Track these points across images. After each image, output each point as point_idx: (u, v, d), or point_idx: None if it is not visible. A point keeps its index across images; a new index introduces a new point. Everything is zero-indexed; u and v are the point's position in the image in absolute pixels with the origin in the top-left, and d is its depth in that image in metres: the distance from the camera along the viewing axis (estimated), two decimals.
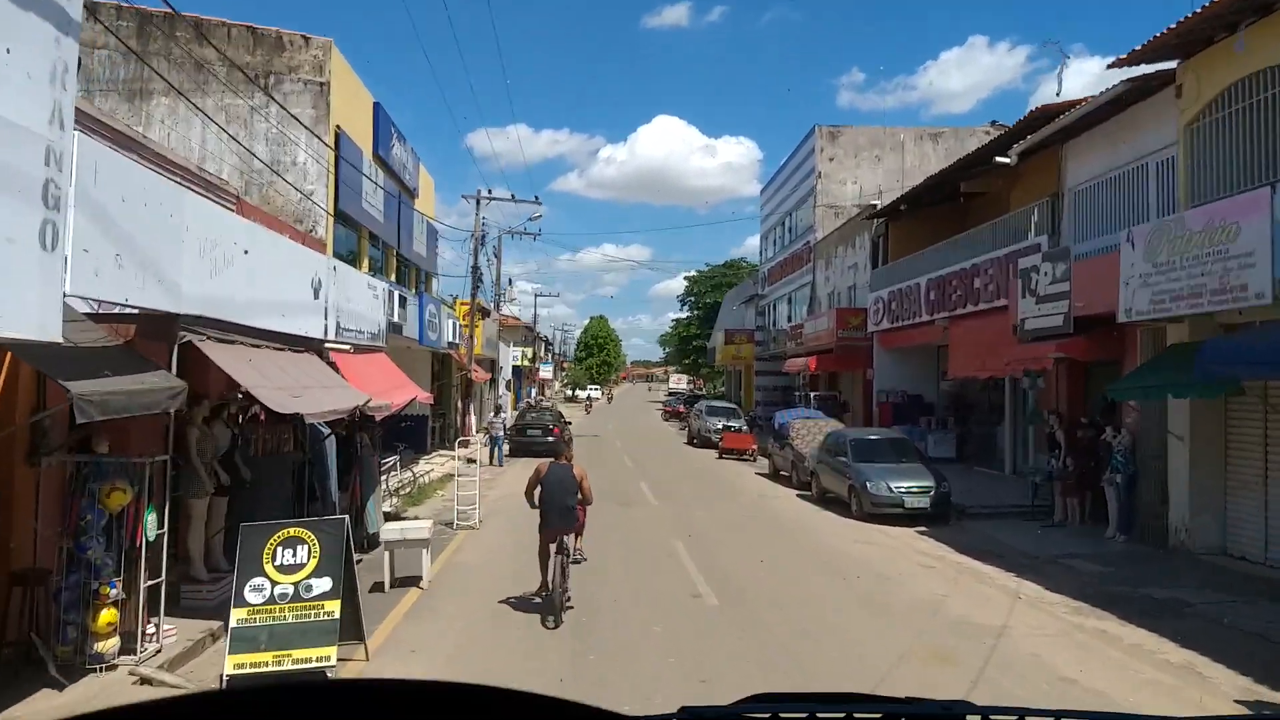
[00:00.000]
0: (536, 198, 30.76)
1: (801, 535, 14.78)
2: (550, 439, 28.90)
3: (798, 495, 19.75)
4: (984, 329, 19.73)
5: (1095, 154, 15.86)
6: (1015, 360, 15.99)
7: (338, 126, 16.83)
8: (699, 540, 13.97)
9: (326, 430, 12.42)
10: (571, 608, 9.21)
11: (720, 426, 31.99)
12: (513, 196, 30.27)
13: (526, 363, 65.55)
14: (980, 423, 25.89)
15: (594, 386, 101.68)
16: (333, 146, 16.40)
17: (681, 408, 55.03)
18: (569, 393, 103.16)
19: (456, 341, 27.25)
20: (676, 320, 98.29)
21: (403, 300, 17.98)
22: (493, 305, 38.94)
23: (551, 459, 9.77)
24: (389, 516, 15.57)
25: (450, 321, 25.70)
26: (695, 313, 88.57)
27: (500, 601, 9.88)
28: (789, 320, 41.70)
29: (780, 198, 43.45)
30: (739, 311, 55.82)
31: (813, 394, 29.24)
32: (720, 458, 28.99)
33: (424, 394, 16.09)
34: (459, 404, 30.54)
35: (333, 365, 12.67)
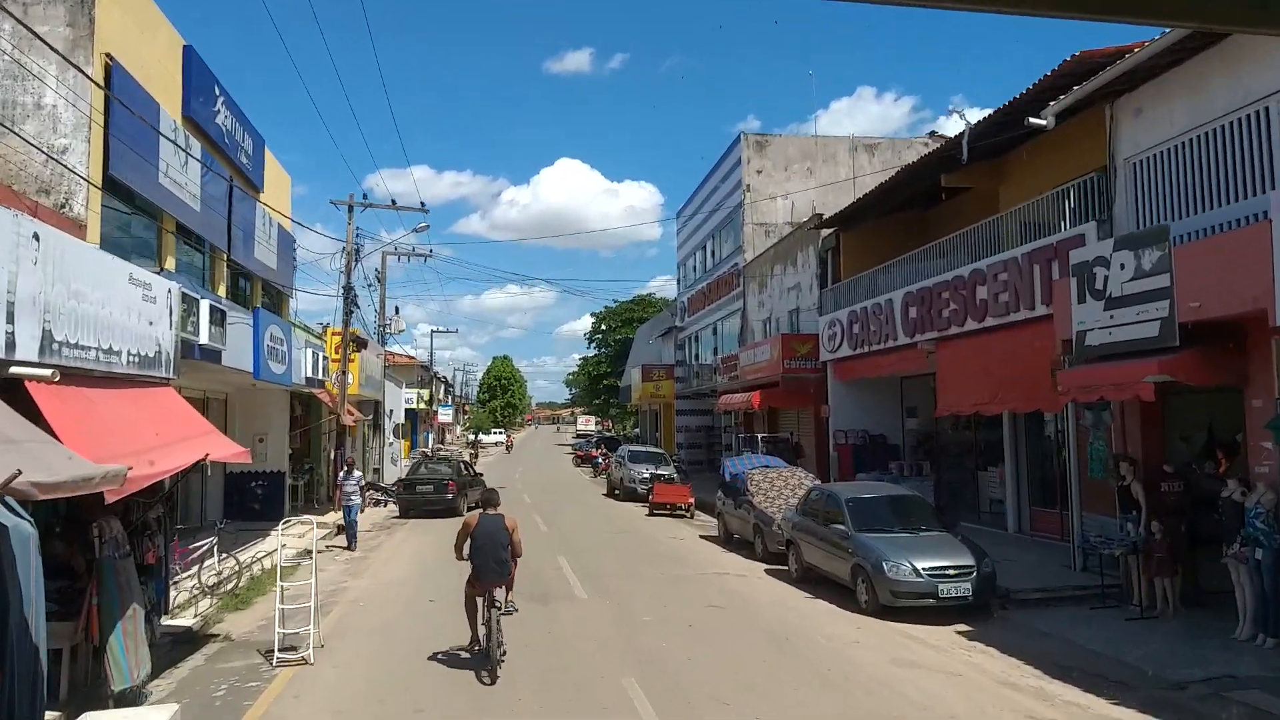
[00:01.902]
0: (422, 204, 25.77)
1: (805, 648, 9.97)
2: (447, 495, 23.58)
3: (767, 572, 14.98)
4: (990, 350, 15.54)
5: (1167, 108, 11.80)
6: (1077, 388, 11.63)
7: (108, 56, 11.49)
8: (659, 670, 8.98)
9: (11, 518, 7.04)
10: (504, 659, 8.72)
11: (648, 476, 27.10)
12: (393, 203, 25.05)
13: (422, 405, 59.48)
14: (954, 468, 21.78)
15: (498, 430, 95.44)
16: (100, 83, 11.05)
17: (594, 451, 50.03)
18: (470, 437, 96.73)
19: (322, 378, 21.72)
20: (584, 359, 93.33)
21: (217, 315, 12.61)
22: (376, 337, 33.32)
23: (481, 510, 9.34)
24: (182, 638, 10.16)
25: (314, 354, 20.23)
26: (604, 350, 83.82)
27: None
28: (715, 353, 37.33)
29: (701, 218, 39.28)
30: (655, 346, 51.34)
31: (760, 436, 24.73)
32: (651, 514, 24.06)
33: (232, 450, 10.76)
34: (331, 455, 24.85)
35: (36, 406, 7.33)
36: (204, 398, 19.22)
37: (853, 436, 22.90)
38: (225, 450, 10.41)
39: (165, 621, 11.66)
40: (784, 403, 25.31)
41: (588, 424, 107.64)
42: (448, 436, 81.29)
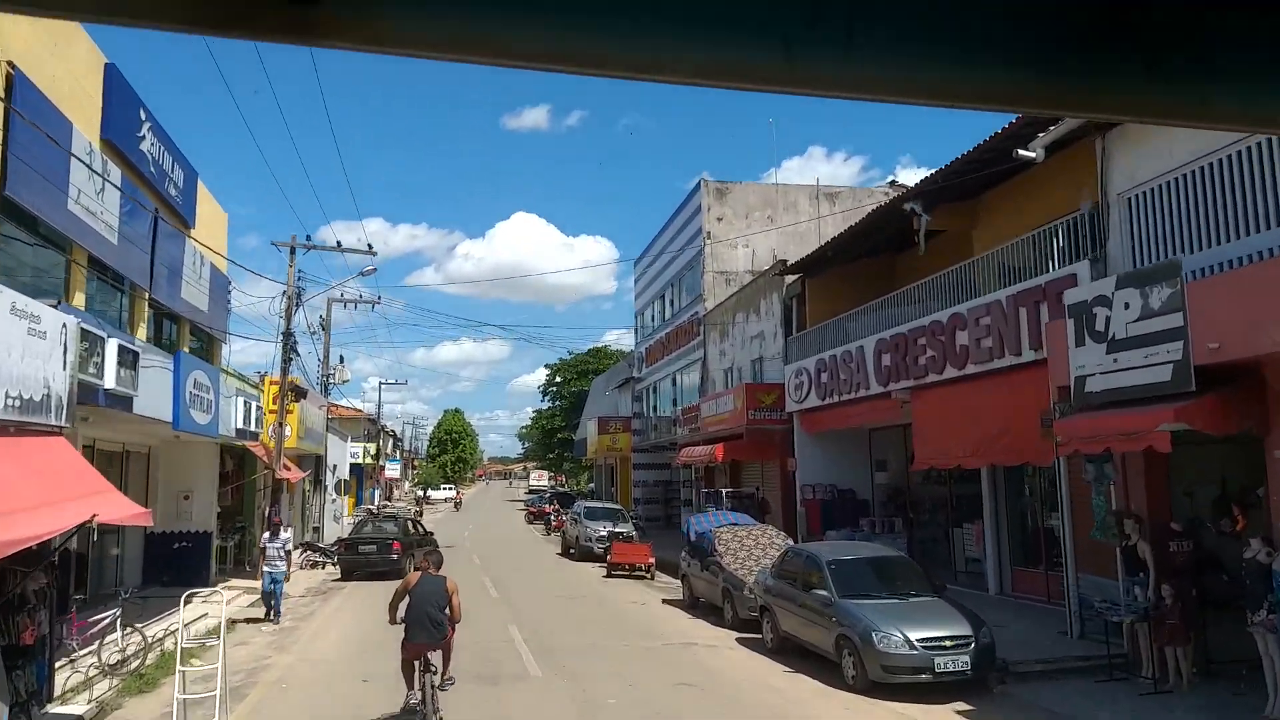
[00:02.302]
0: (369, 246, 24.39)
1: None
2: (392, 556, 22.01)
3: (740, 641, 13.71)
4: (972, 399, 14.67)
5: (1165, 140, 11.13)
6: (1079, 438, 10.70)
7: (9, 65, 10.22)
8: None
9: None
10: None
11: (605, 534, 25.70)
12: (339, 245, 23.72)
13: (369, 460, 57.37)
14: (927, 524, 20.84)
15: (448, 485, 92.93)
16: None
17: (547, 507, 48.36)
18: (419, 493, 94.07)
19: (256, 430, 20.16)
20: (538, 412, 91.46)
21: (128, 356, 11.22)
22: (319, 387, 31.71)
23: (421, 571, 9.03)
24: None
25: (246, 403, 18.73)
26: (558, 404, 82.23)
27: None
28: (675, 404, 36.25)
29: (659, 266, 38.51)
30: (611, 398, 50.13)
31: (725, 491, 23.55)
32: (609, 575, 22.65)
33: (130, 511, 9.32)
34: (265, 513, 23.12)
35: None
36: (123, 450, 17.61)
37: (820, 491, 21.85)
38: (121, 511, 8.99)
39: (51, 710, 10.07)
40: (748, 455, 24.24)
41: (540, 479, 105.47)
42: (395, 492, 78.84)
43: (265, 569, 15.29)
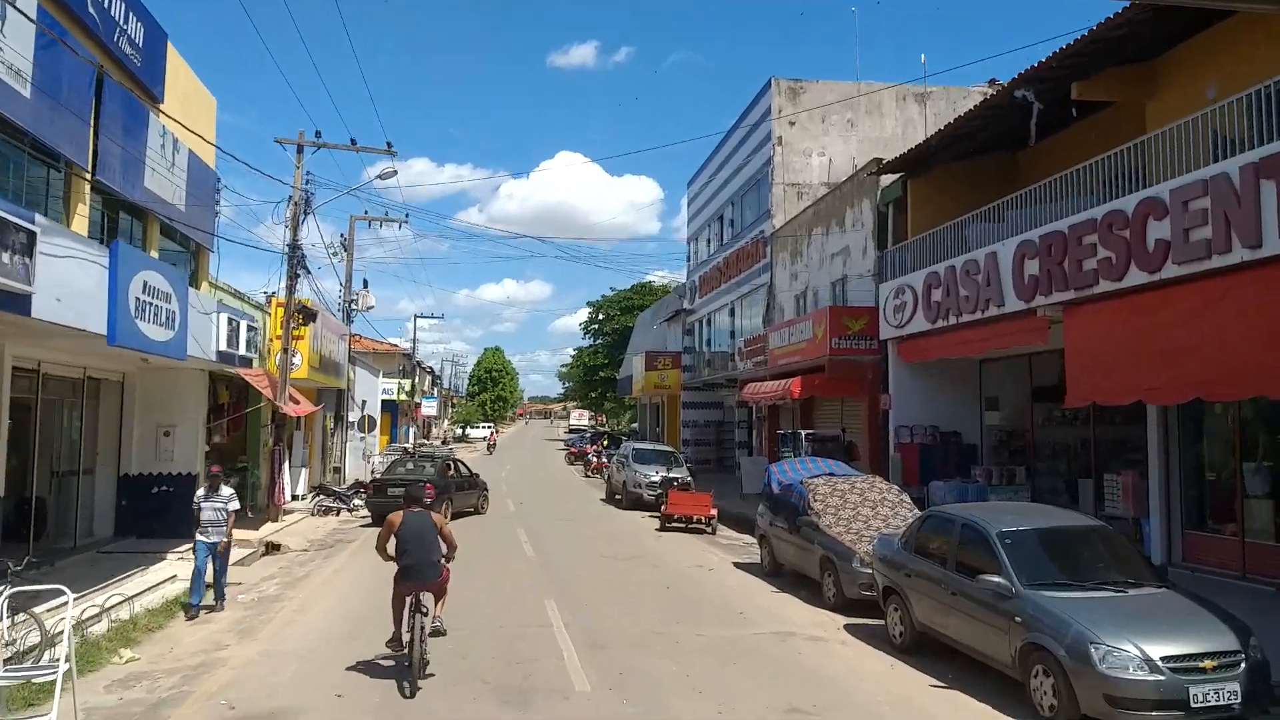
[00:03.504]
0: (389, 144, 20.73)
1: None
2: (424, 501, 18.81)
3: (849, 629, 10.27)
4: (1168, 311, 10.87)
5: None
6: None
7: None
8: None
9: None
10: (432, 675, 8.00)
11: (658, 480, 22.37)
12: (353, 142, 20.04)
13: (403, 397, 54.68)
14: (1047, 474, 17.14)
15: (487, 424, 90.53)
16: None
17: (588, 447, 45.33)
18: (458, 431, 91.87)
19: (249, 354, 16.91)
20: (579, 350, 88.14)
21: (15, 237, 7.89)
22: (341, 313, 28.52)
23: (402, 509, 8.45)
24: None
25: (233, 322, 15.45)
26: (600, 341, 78.76)
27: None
28: (733, 337, 32.59)
29: (718, 183, 34.50)
30: (659, 332, 46.56)
31: (804, 433, 19.95)
32: (663, 528, 19.33)
33: None
34: (272, 453, 20.08)
35: None
36: (83, 377, 14.49)
37: (919, 434, 18.19)
38: None
39: None
40: (831, 391, 20.56)
41: (581, 418, 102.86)
42: (434, 431, 76.61)
43: (198, 537, 11.04)
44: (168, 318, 12.05)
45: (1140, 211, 11.31)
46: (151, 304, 11.44)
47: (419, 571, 8.16)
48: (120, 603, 11.09)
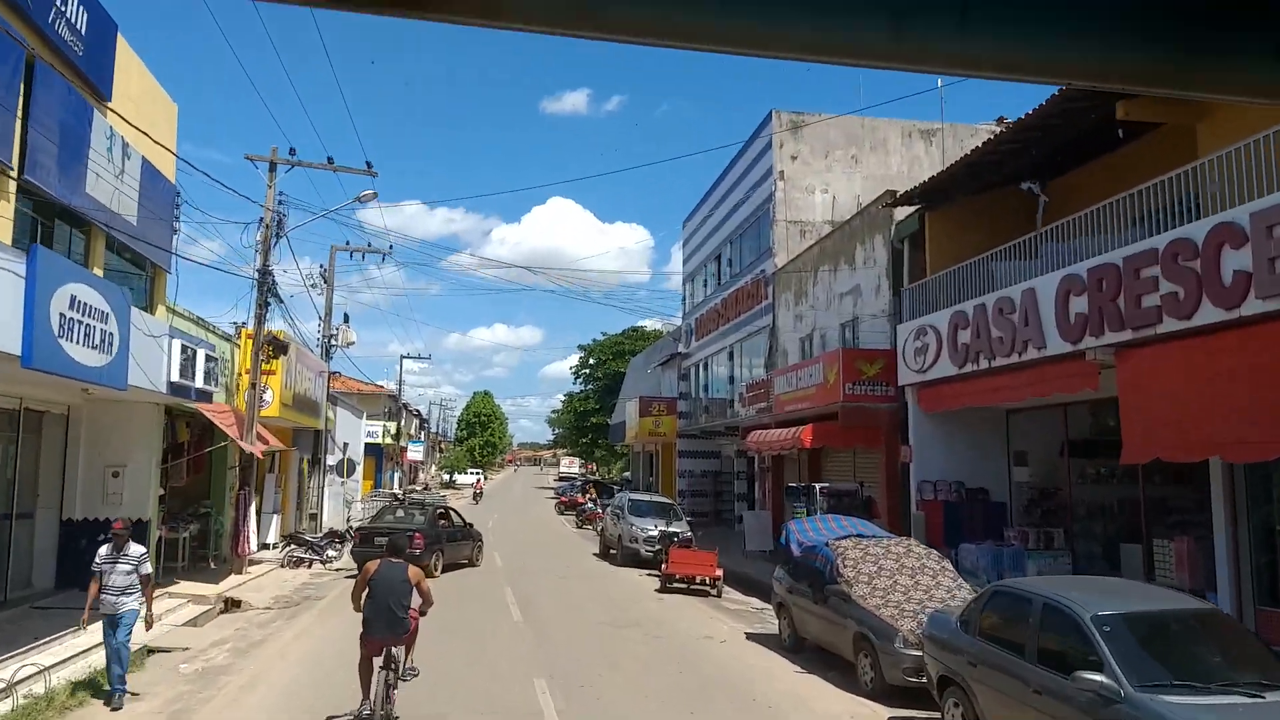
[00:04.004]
0: (368, 164, 19.44)
1: None
2: (413, 552, 17.29)
3: None
4: (1247, 353, 9.50)
5: None
6: None
7: None
8: None
9: None
10: None
11: (656, 535, 20.74)
12: (330, 161, 18.79)
13: (389, 440, 52.91)
14: (1084, 536, 15.64)
15: (475, 470, 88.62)
16: None
17: (580, 496, 43.62)
18: (445, 477, 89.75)
19: (210, 388, 15.36)
20: (569, 396, 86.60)
21: None
22: (320, 349, 27.00)
23: (380, 558, 8.29)
24: None
25: (188, 349, 13.91)
26: (591, 386, 77.30)
27: None
28: (732, 382, 31.16)
29: (716, 220, 33.33)
30: (653, 377, 45.11)
31: (820, 486, 18.33)
32: (663, 589, 17.67)
33: None
34: (238, 497, 18.38)
35: None
36: (19, 408, 12.90)
37: (943, 490, 16.67)
38: None
39: None
40: (844, 441, 19.05)
41: (571, 466, 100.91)
42: (420, 476, 74.64)
43: (102, 610, 8.75)
44: (103, 340, 10.54)
45: (1213, 239, 9.98)
46: (82, 322, 9.94)
47: (379, 626, 7.82)
48: (34, 675, 9.43)
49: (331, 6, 0.84)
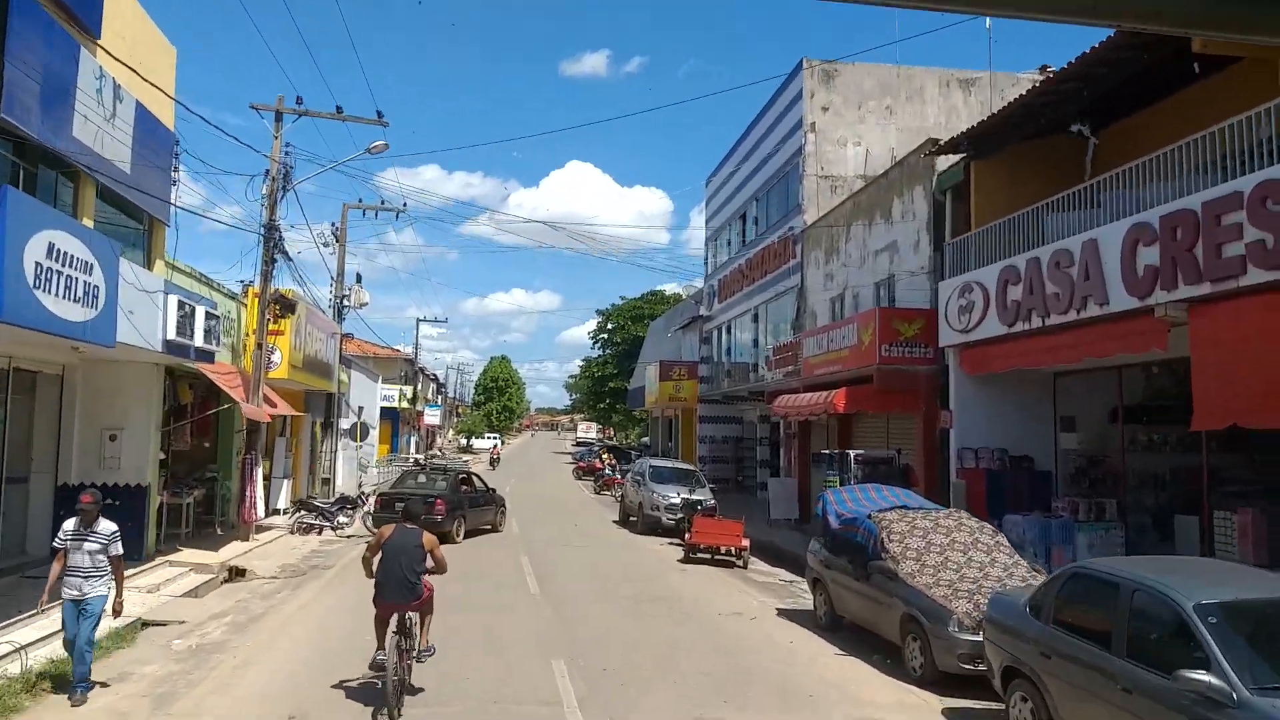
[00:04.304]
0: (379, 113, 18.42)
1: None
2: (435, 518, 17.26)
3: (951, 716, 7.81)
4: None
5: None
6: None
7: None
8: None
9: None
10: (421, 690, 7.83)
11: (678, 502, 19.93)
12: (339, 110, 17.80)
13: (405, 404, 52.38)
14: (1136, 507, 14.65)
15: (493, 435, 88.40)
16: None
17: (597, 462, 42.93)
18: (462, 441, 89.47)
19: (213, 348, 14.54)
20: (587, 361, 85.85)
21: None
22: (332, 310, 26.23)
23: (395, 523, 8.13)
24: None
25: (186, 306, 13.08)
26: (609, 351, 76.44)
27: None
28: (756, 345, 30.19)
29: (742, 177, 32.14)
30: (673, 341, 44.18)
31: (854, 454, 17.38)
32: (687, 559, 16.88)
33: None
34: (244, 462, 17.69)
35: None
36: (8, 368, 12.15)
37: (985, 457, 15.72)
38: None
39: None
40: (880, 405, 18.06)
41: (588, 431, 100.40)
42: (437, 440, 74.30)
43: (64, 592, 7.76)
44: (87, 293, 9.71)
45: None
46: (61, 273, 9.11)
47: (390, 590, 7.72)
48: (10, 654, 8.73)
49: None
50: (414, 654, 7.80)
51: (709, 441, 36.14)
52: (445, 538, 19.30)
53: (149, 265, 13.80)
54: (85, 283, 9.62)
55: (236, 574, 14.65)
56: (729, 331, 34.40)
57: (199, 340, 13.41)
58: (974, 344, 15.37)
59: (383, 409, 44.63)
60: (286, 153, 17.40)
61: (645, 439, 59.23)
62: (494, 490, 21.97)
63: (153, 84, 12.68)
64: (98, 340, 9.97)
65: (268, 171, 17.40)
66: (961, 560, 9.44)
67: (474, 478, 21.54)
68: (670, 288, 70.03)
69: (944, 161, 17.35)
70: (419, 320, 56.52)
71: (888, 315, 17.46)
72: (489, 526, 20.73)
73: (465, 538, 18.83)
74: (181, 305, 12.59)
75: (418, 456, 43.47)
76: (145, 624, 10.64)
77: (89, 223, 11.68)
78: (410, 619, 7.77)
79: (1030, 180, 15.34)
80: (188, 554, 15.07)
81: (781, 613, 12.34)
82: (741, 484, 34.46)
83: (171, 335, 12.33)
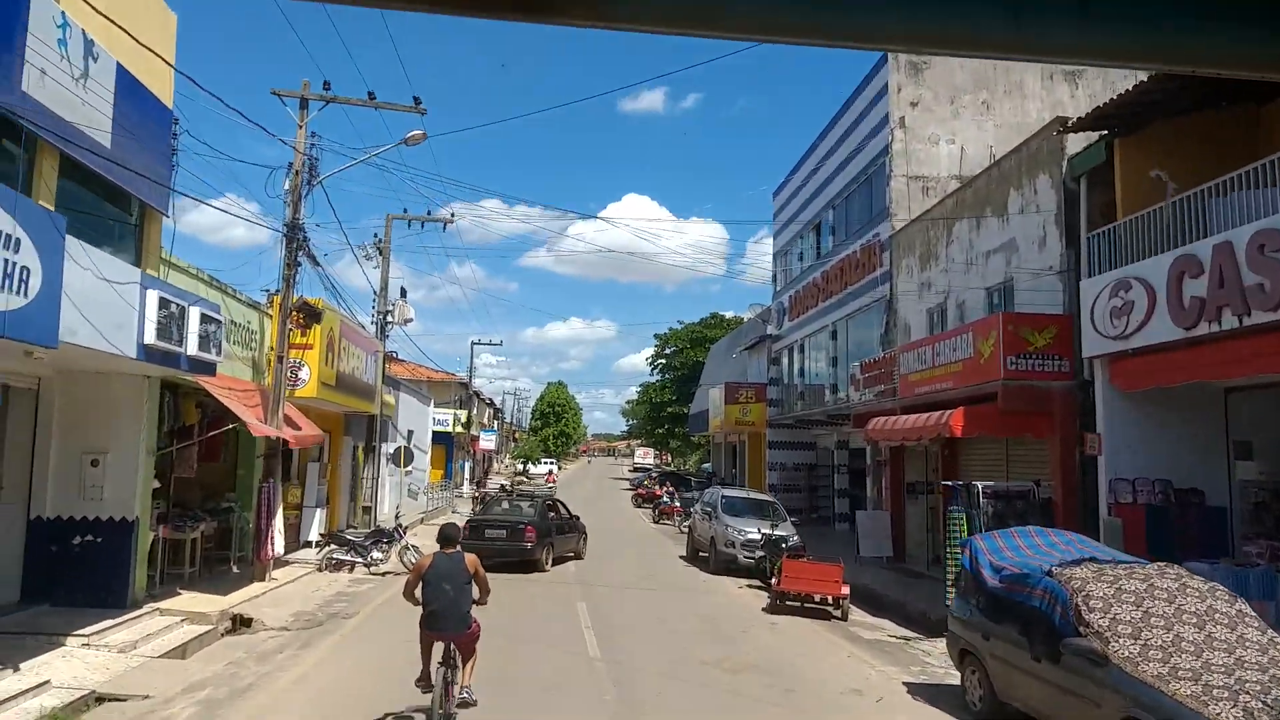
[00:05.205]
0: (416, 99, 16.27)
1: None
2: (524, 544, 17.55)
3: None
4: None
5: None
6: None
7: None
8: None
9: None
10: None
11: (758, 538, 17.23)
12: (371, 96, 15.72)
13: (459, 429, 50.40)
14: None
15: (549, 460, 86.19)
16: None
17: (658, 489, 40.28)
18: (519, 467, 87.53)
19: (216, 358, 12.35)
20: (645, 386, 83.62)
21: None
22: (374, 324, 24.21)
23: (437, 550, 7.84)
24: None
25: (174, 305, 10.89)
26: (667, 375, 74.39)
27: None
28: (834, 365, 27.39)
29: (815, 185, 29.49)
30: (738, 362, 41.49)
31: (982, 486, 14.36)
32: (773, 608, 14.19)
33: None
34: (261, 491, 15.46)
35: None
36: None
37: (1144, 490, 12.79)
38: None
39: None
40: (1004, 429, 15.14)
41: (646, 456, 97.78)
42: (493, 466, 72.38)
43: None
44: (7, 276, 7.47)
45: None
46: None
47: (441, 620, 7.48)
48: None
49: (449, 12, 0.90)
50: (457, 688, 7.48)
51: (779, 468, 33.29)
52: (534, 565, 17.78)
53: (140, 261, 11.69)
54: (5, 261, 7.41)
55: (241, 624, 12.37)
56: (801, 350, 31.62)
57: (192, 347, 11.21)
58: (1131, 353, 12.49)
59: (436, 434, 42.72)
60: (311, 145, 15.33)
61: (707, 464, 56.36)
62: (577, 517, 21.41)
63: (142, 44, 10.55)
64: (28, 338, 7.74)
65: (291, 164, 15.36)
66: (1198, 639, 6.67)
67: (559, 504, 21.27)
68: (730, 314, 67.46)
69: (1075, 144, 14.59)
70: (474, 342, 54.32)
71: (1013, 322, 14.62)
72: (572, 554, 20.26)
73: (553, 564, 18.60)
74: (165, 303, 10.40)
75: (502, 486, 41.21)
76: (100, 699, 8.35)
77: (48, 204, 9.53)
78: (454, 652, 7.45)
79: (1194, 157, 12.57)
80: (186, 599, 12.84)
81: (913, 690, 9.56)
82: (816, 516, 31.53)
83: (151, 339, 10.13)
